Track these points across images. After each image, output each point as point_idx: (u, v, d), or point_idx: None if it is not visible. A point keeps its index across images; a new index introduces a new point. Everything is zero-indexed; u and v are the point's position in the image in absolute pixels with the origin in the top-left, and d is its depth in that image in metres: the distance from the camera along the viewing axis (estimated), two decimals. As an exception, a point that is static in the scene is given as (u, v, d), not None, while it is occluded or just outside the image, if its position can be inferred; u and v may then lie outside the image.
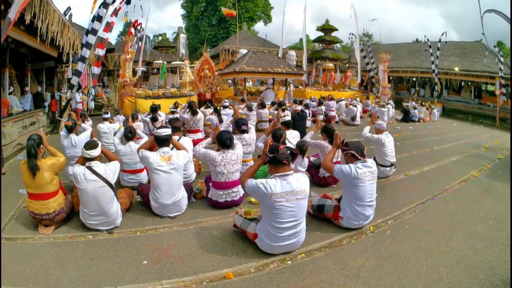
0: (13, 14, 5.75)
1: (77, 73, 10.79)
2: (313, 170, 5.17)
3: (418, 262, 3.00)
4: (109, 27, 11.58)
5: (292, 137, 5.69)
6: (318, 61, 25.65)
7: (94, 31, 10.49)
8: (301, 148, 4.94)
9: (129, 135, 5.11)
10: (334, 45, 28.76)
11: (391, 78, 25.70)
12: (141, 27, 16.65)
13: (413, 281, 2.70)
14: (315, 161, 5.18)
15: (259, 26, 43.56)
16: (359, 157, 3.53)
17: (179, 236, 3.60)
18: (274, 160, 2.94)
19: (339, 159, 4.89)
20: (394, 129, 12.74)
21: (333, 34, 27.10)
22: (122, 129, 5.48)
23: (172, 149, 4.14)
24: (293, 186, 2.87)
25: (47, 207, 3.74)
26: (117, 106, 15.19)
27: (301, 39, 23.96)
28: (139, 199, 4.50)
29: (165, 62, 19.41)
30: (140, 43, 16.85)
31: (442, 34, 20.92)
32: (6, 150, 7.29)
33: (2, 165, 6.22)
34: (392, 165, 5.74)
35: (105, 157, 4.04)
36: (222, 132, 4.31)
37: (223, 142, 4.10)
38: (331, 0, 74.62)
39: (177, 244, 3.40)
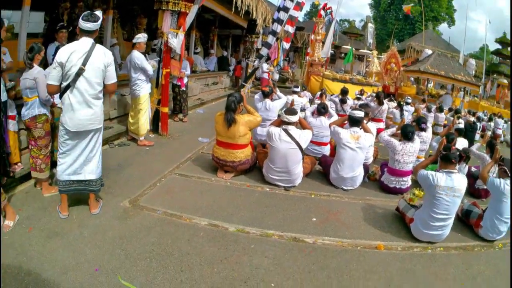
0: None
1: (267, 45, 11.05)
2: (471, 179, 5.14)
3: None
4: (299, 6, 11.66)
5: (461, 144, 5.78)
6: (494, 75, 22.64)
7: (286, 9, 10.74)
8: (466, 155, 5.05)
9: (322, 110, 5.56)
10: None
11: None
12: (331, 11, 16.80)
13: None
14: (475, 172, 5.19)
15: (443, 27, 39.87)
16: (509, 175, 3.66)
17: (348, 206, 4.08)
18: (446, 157, 3.40)
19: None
20: None
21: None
22: (313, 104, 6.47)
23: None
24: (454, 184, 3.28)
25: (234, 156, 4.28)
26: (302, 82, 15.83)
27: (481, 48, 21.10)
28: (319, 168, 5.10)
29: (353, 49, 19.35)
30: (330, 26, 16.99)
31: None
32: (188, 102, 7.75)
33: (185, 115, 7.30)
34: None
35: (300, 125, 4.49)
36: (407, 125, 4.81)
37: (406, 134, 4.60)
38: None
39: (344, 212, 3.88)
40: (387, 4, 38.66)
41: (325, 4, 16.23)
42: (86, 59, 2.79)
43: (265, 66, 12.76)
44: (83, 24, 2.81)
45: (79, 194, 3.24)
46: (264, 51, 11.45)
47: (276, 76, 15.76)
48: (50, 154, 3.59)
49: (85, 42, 2.84)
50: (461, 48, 22.06)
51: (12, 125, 3.48)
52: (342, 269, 2.83)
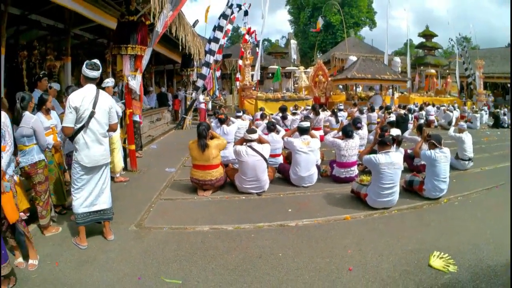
0: (160, 27, 6.53)
1: (201, 76, 12.15)
2: (409, 160, 6.59)
3: (472, 223, 4.19)
4: (225, 34, 13.00)
5: (395, 133, 6.98)
6: (421, 68, 25.73)
7: (216, 39, 11.95)
8: (398, 140, 6.34)
9: (272, 127, 6.55)
10: (436, 50, 28.22)
11: (487, 84, 25.00)
12: (255, 34, 18.09)
13: (465, 230, 3.95)
14: (411, 153, 6.51)
15: (365, 30, 43.63)
16: (438, 145, 4.98)
17: (312, 197, 5.12)
18: (382, 141, 4.58)
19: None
20: (484, 133, 13.40)
21: (434, 39, 26.89)
22: (263, 122, 7.47)
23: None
24: (392, 159, 4.42)
25: (211, 175, 5.02)
26: (235, 107, 16.58)
27: (405, 44, 24.30)
28: (278, 176, 6.00)
29: (280, 67, 20.86)
30: (257, 49, 18.17)
31: None
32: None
33: (139, 150, 7.62)
34: (470, 159, 6.89)
35: (259, 141, 5.32)
36: (346, 125, 6.06)
37: (347, 132, 5.77)
38: (435, 2, 70.55)
39: (311, 201, 4.92)
40: (306, 18, 40.94)
41: (249, 29, 17.25)
42: (95, 103, 3.34)
43: (201, 97, 13.54)
44: (89, 73, 3.36)
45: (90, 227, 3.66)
46: (200, 83, 12.34)
47: (210, 105, 16.40)
48: (48, 199, 3.82)
49: (91, 88, 3.38)
50: (384, 48, 24.39)
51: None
52: (324, 236, 3.77)
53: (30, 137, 3.53)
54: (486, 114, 17.57)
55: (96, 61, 3.47)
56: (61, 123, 3.67)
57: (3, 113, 2.99)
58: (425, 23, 29.34)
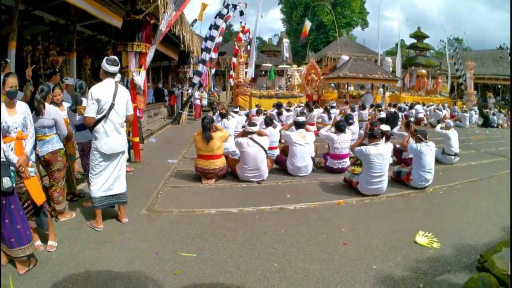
0: (164, 26, 6.82)
1: (198, 73, 12.57)
2: (397, 154, 7.07)
3: (455, 209, 4.65)
4: (220, 33, 13.50)
5: (384, 129, 7.55)
6: (412, 68, 26.51)
7: (212, 38, 12.38)
8: (387, 134, 6.65)
9: (269, 122, 7.03)
10: (427, 51, 28.92)
11: (478, 85, 25.88)
12: (249, 33, 18.50)
13: (448, 215, 4.40)
14: (399, 148, 6.97)
15: (357, 30, 44.16)
16: (423, 139, 5.45)
17: (308, 185, 5.62)
18: (371, 135, 5.04)
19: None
20: (473, 132, 14.01)
21: (426, 40, 27.55)
22: (259, 118, 7.90)
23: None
24: (381, 150, 4.87)
25: (215, 164, 5.48)
26: (229, 104, 17.23)
27: (397, 44, 24.87)
28: (275, 166, 6.45)
29: (273, 65, 21.45)
30: (248, 47, 18.56)
31: None
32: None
33: (142, 143, 7.91)
34: (455, 154, 7.39)
35: (259, 133, 5.75)
36: (339, 121, 6.56)
37: (340, 127, 6.24)
38: (427, 3, 71.88)
39: (307, 188, 5.41)
40: (298, 17, 41.29)
41: (244, 27, 17.58)
42: (115, 95, 3.68)
43: (196, 94, 13.97)
44: (109, 68, 3.69)
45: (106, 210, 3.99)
46: (196, 79, 12.75)
47: (205, 101, 16.89)
48: (64, 186, 4.09)
49: (110, 82, 3.73)
50: (376, 48, 25.18)
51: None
52: (320, 217, 4.23)
53: (51, 127, 3.81)
54: (475, 114, 18.35)
55: (115, 57, 3.80)
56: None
57: (24, 103, 3.26)
58: (418, 24, 30.02)
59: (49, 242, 3.34)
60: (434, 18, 60.46)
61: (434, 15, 68.47)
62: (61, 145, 3.94)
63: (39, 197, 3.16)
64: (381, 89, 20.69)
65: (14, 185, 2.78)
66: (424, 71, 25.68)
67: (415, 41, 28.17)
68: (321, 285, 2.79)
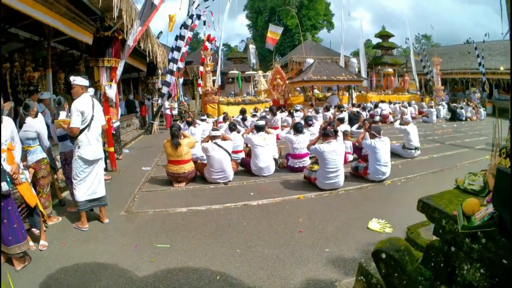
0: (131, 41, 6.99)
1: (166, 83, 12.91)
2: (358, 151, 7.63)
3: (410, 198, 4.80)
4: (186, 42, 13.70)
5: (344, 128, 8.30)
6: (379, 67, 27.40)
7: (178, 48, 12.77)
8: (344, 133, 7.60)
9: (233, 127, 7.53)
10: (394, 50, 30.06)
11: (447, 80, 26.72)
12: (215, 41, 18.72)
13: (402, 203, 4.89)
14: (359, 146, 7.58)
15: (323, 32, 44.33)
16: (377, 135, 6.11)
17: (271, 183, 6.22)
18: (324, 133, 5.71)
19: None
20: (440, 126, 14.65)
21: (391, 39, 28.63)
22: (225, 124, 8.47)
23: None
24: (333, 148, 5.53)
25: (184, 168, 5.98)
26: (198, 112, 17.31)
27: (364, 44, 25.51)
28: (240, 169, 6.99)
29: (240, 72, 21.89)
30: (216, 55, 19.08)
31: (485, 35, 22.12)
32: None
33: (120, 153, 8.46)
34: (416, 148, 8.08)
35: (223, 138, 6.32)
36: (297, 123, 7.21)
37: (297, 128, 6.92)
38: (395, 2, 74.87)
39: (269, 186, 6.02)
40: (264, 22, 40.76)
41: (209, 35, 17.94)
42: (93, 107, 4.29)
43: (166, 104, 14.38)
44: (86, 82, 4.31)
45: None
46: (164, 90, 13.13)
47: (175, 111, 17.03)
48: (50, 192, 4.52)
49: (88, 97, 4.31)
50: (343, 50, 25.52)
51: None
52: (280, 210, 4.87)
53: (35, 139, 4.26)
54: (443, 108, 19.16)
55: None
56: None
57: (9, 118, 3.72)
58: (384, 23, 30.99)
59: (41, 242, 3.80)
60: (403, 16, 62.69)
61: (402, 14, 70.85)
62: (44, 155, 4.41)
63: (32, 199, 3.70)
64: (352, 90, 21.40)
65: (10, 189, 3.29)
66: (390, 69, 26.64)
67: (380, 40, 29.17)
68: (278, 265, 3.36)
